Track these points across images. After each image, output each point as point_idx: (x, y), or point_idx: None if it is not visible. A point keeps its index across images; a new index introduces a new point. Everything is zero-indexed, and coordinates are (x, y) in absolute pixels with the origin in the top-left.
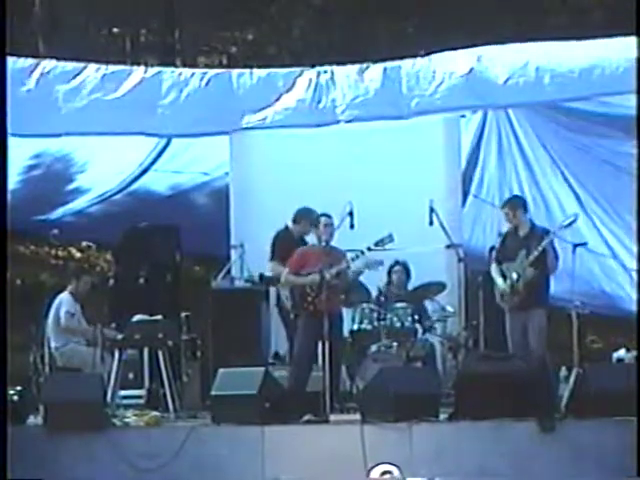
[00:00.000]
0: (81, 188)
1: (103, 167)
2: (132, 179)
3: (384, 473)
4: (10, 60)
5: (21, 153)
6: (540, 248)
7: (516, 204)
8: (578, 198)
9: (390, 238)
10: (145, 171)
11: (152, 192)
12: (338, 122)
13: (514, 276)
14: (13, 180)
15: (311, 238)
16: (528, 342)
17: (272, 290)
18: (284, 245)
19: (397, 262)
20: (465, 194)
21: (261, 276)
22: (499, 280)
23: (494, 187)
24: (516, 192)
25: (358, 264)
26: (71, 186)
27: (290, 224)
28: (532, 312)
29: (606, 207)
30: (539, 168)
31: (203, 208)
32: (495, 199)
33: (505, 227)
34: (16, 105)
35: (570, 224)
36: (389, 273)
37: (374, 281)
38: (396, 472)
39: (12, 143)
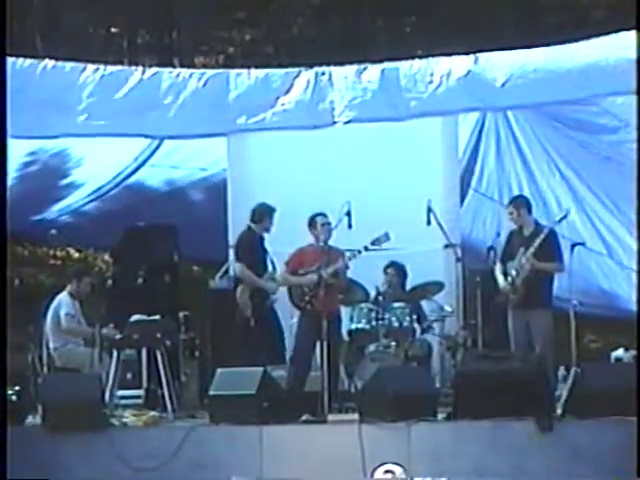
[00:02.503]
0: (77, 183)
1: (99, 161)
2: (129, 173)
3: (387, 472)
4: (9, 60)
5: (17, 150)
6: (535, 244)
7: (520, 203)
8: (576, 195)
9: (386, 237)
10: (141, 165)
11: (149, 188)
12: (335, 123)
13: (513, 273)
14: (10, 177)
15: (309, 238)
16: (530, 341)
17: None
18: (246, 246)
19: (392, 263)
20: (465, 189)
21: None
22: (500, 278)
23: (494, 182)
24: (515, 188)
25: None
26: (67, 181)
27: (251, 224)
28: (534, 311)
29: (607, 203)
30: (537, 165)
31: (201, 205)
32: (495, 194)
33: (505, 224)
34: (15, 106)
35: (562, 219)
36: (384, 273)
37: (372, 281)
38: (399, 471)
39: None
